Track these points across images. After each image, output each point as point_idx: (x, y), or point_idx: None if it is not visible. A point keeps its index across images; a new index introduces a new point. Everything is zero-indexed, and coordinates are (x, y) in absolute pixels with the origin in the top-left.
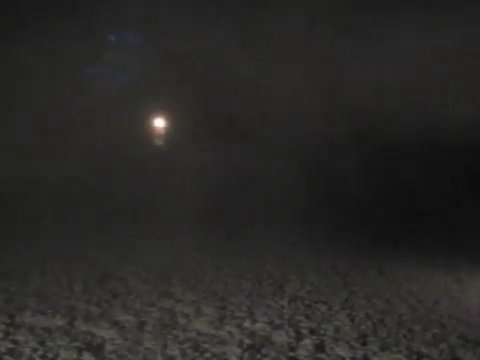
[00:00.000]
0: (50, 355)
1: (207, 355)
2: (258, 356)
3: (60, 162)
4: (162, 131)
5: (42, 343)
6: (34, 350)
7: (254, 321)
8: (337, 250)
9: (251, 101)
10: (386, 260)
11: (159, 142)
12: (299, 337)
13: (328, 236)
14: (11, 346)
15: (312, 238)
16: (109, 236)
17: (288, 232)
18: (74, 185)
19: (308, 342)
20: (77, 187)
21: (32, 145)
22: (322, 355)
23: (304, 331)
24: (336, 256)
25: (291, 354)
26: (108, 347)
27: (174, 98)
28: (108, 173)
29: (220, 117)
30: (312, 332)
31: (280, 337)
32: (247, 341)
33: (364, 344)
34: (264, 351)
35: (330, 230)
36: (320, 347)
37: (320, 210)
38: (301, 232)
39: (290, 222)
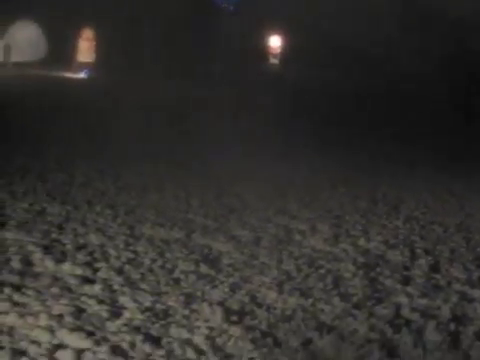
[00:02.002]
0: (169, 266)
1: (322, 271)
2: (372, 274)
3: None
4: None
5: (161, 254)
6: (153, 261)
7: (369, 240)
8: (453, 172)
9: None
10: None
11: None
12: (414, 257)
13: (443, 158)
14: (131, 256)
15: (425, 160)
16: (224, 155)
17: (401, 151)
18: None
19: (423, 262)
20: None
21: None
22: (437, 275)
23: (419, 251)
24: (452, 178)
25: (405, 273)
26: (224, 260)
27: None
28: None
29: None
30: (427, 252)
31: (395, 256)
32: (361, 259)
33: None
34: (378, 269)
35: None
36: (435, 267)
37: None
38: (416, 152)
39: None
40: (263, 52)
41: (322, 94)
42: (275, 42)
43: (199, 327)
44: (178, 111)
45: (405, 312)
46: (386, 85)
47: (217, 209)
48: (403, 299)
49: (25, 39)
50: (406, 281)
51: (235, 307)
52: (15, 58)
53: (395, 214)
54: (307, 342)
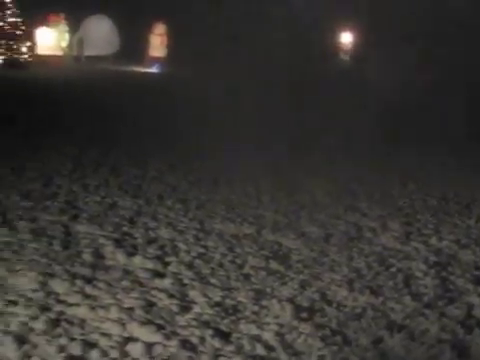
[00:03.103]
0: (239, 261)
1: (392, 270)
2: (444, 273)
3: None
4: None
5: (231, 249)
6: (223, 256)
7: (440, 239)
8: None
9: None
10: None
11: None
12: None
13: None
14: (202, 251)
15: None
16: (288, 147)
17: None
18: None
19: None
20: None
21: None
22: None
23: None
24: None
25: (477, 273)
26: (294, 257)
27: None
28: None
29: None
30: None
31: (466, 256)
32: (433, 258)
33: None
34: (450, 269)
35: None
36: None
37: None
38: None
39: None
40: (334, 48)
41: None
42: (346, 38)
43: (269, 323)
44: (255, 106)
45: (477, 312)
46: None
47: (287, 205)
48: (475, 299)
49: (98, 33)
50: (478, 281)
51: (305, 304)
52: (88, 52)
53: (467, 213)
54: (377, 341)
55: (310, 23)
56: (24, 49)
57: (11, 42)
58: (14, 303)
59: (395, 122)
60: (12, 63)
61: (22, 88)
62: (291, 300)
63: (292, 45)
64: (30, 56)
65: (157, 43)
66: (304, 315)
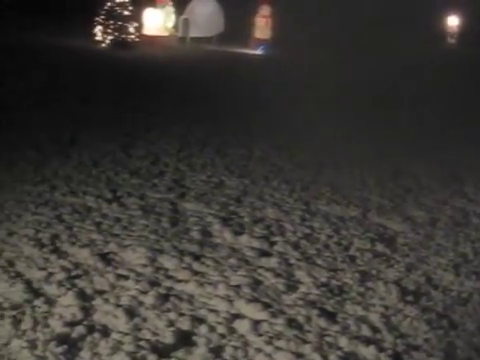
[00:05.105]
0: (344, 243)
1: None
2: None
3: None
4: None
5: (337, 231)
6: (329, 237)
7: None
8: None
9: None
10: None
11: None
12: None
13: None
14: (307, 231)
15: None
16: (393, 130)
17: None
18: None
19: None
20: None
21: None
22: None
23: None
24: None
25: None
26: (400, 240)
27: None
28: None
29: None
30: None
31: None
32: None
33: None
34: None
35: None
36: None
37: None
38: None
39: None
40: (441, 31)
41: None
42: (453, 22)
43: (374, 305)
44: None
45: None
46: None
47: (393, 189)
48: None
49: (203, 15)
50: None
51: (411, 287)
52: (193, 33)
53: None
54: None
55: (420, 6)
56: (131, 30)
57: (119, 23)
58: (125, 277)
59: None
60: (119, 44)
61: (129, 68)
62: (397, 283)
63: (402, 28)
64: (137, 37)
65: (262, 25)
66: (410, 298)
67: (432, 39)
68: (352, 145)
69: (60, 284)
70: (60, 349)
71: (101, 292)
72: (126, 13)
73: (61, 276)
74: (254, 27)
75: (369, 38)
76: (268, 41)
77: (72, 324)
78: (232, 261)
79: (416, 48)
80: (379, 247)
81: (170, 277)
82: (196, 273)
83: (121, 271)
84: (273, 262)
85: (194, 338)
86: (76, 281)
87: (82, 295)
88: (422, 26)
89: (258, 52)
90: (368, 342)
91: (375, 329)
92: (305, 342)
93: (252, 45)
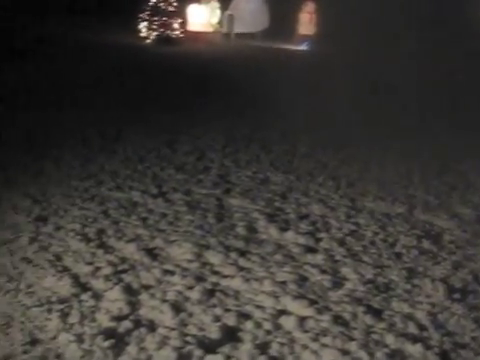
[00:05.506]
0: (390, 239)
1: None
2: None
3: None
4: None
5: (382, 228)
6: (375, 233)
7: None
8: None
9: None
10: None
11: None
12: None
13: None
14: (353, 228)
15: None
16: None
17: None
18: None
19: None
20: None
21: None
22: None
23: None
24: None
25: None
26: (446, 237)
27: None
28: None
29: None
30: None
31: None
32: None
33: None
34: None
35: None
36: None
37: None
38: None
39: None
40: None
41: None
42: None
43: (421, 302)
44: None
45: None
46: None
47: (439, 186)
48: None
49: (248, 10)
50: None
51: (458, 285)
52: (237, 29)
53: None
54: None
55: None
56: (176, 25)
57: (164, 18)
58: (171, 273)
59: None
60: (164, 39)
61: (174, 64)
62: (444, 280)
63: (449, 24)
64: (182, 32)
65: (306, 21)
66: (457, 296)
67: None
68: (400, 141)
69: (107, 278)
70: (107, 343)
71: (147, 287)
72: (171, 9)
73: (108, 271)
74: (298, 23)
75: (416, 36)
76: (312, 37)
77: (119, 318)
78: (278, 257)
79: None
80: (425, 244)
81: (216, 273)
82: (242, 269)
83: (167, 266)
84: (319, 258)
85: (240, 334)
86: (122, 276)
87: (128, 290)
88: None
89: (302, 48)
90: (415, 340)
91: (422, 327)
92: (351, 339)
93: (296, 41)
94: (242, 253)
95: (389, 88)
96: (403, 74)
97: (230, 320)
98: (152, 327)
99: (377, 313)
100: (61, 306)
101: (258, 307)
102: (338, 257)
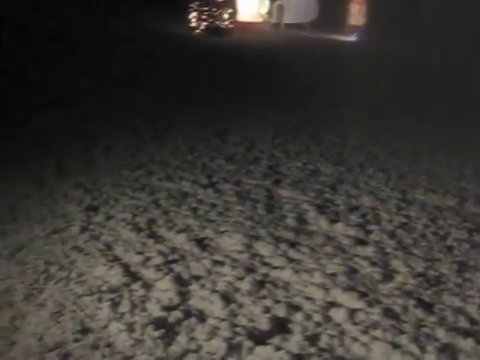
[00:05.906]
0: (441, 232)
1: None
2: None
3: None
4: None
5: (433, 221)
6: (426, 226)
7: None
8: None
9: None
10: None
11: None
12: None
13: None
14: (404, 220)
15: None
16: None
17: None
18: None
19: None
20: None
21: None
22: None
23: None
24: None
25: None
26: None
27: None
28: None
29: None
30: None
31: None
32: None
33: None
34: None
35: None
36: None
37: None
38: None
39: None
40: None
41: None
42: None
43: (473, 296)
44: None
45: None
46: None
47: None
48: None
49: (297, 1)
50: None
51: None
52: (287, 19)
53: None
54: None
55: None
56: (225, 16)
57: (214, 9)
58: (221, 263)
59: None
60: (214, 30)
61: (224, 54)
62: None
63: None
64: (231, 23)
65: (356, 11)
66: None
67: None
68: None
69: (157, 268)
70: (157, 333)
71: (197, 277)
72: (220, 0)
73: (158, 260)
74: (348, 14)
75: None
76: (362, 28)
77: (169, 308)
78: (328, 249)
79: None
80: (477, 237)
81: (266, 264)
82: (292, 260)
83: (217, 257)
84: (369, 251)
85: (290, 325)
86: (173, 266)
87: (179, 280)
88: None
89: (352, 39)
90: (466, 334)
91: (473, 321)
92: (402, 332)
93: (346, 31)
94: (292, 244)
95: (444, 79)
96: (453, 69)
97: (280, 311)
98: (202, 317)
99: (428, 307)
100: (112, 295)
101: (308, 299)
102: (388, 250)
